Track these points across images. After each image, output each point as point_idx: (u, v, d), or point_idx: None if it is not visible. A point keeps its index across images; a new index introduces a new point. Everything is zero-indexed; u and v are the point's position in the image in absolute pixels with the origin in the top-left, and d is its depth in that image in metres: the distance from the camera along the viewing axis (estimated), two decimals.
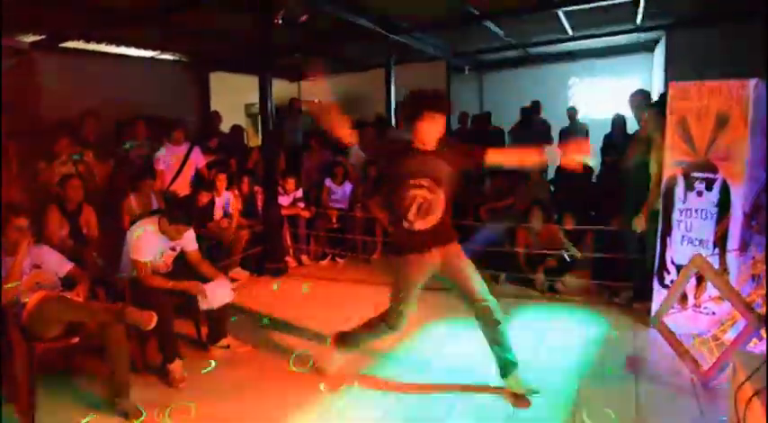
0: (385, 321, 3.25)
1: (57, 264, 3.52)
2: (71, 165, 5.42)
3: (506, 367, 3.22)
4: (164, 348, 3.55)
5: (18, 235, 3.30)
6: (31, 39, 6.52)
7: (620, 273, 4.91)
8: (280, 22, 5.71)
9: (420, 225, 3.10)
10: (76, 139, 5.70)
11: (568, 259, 5.24)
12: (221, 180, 5.94)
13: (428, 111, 3.03)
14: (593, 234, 5.36)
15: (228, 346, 3.98)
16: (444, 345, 4.03)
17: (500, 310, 3.18)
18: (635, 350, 3.89)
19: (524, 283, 5.34)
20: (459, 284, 3.17)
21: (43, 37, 6.50)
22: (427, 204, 3.08)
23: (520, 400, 3.17)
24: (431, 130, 3.06)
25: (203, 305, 3.75)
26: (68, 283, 3.50)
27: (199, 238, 4.31)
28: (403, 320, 3.22)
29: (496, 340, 3.19)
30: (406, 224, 3.11)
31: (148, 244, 3.73)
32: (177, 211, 3.91)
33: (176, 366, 3.53)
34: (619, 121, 7.25)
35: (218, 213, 5.88)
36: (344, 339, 3.49)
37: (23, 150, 5.21)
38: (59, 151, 5.44)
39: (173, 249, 3.90)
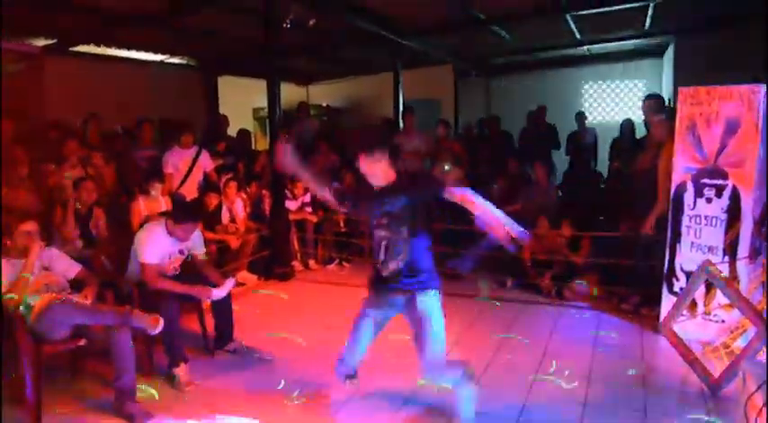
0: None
1: (65, 266, 3.54)
2: (80, 168, 5.45)
3: None
4: (170, 352, 3.56)
5: (27, 239, 3.32)
6: (42, 43, 6.58)
7: (627, 279, 4.88)
8: (288, 25, 5.73)
9: (390, 267, 2.80)
10: (83, 142, 5.74)
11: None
12: (232, 188, 5.95)
13: (362, 153, 2.78)
14: (600, 240, 5.33)
15: (235, 351, 3.98)
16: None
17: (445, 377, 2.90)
18: (643, 357, 3.85)
19: (531, 288, 5.31)
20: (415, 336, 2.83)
21: (54, 41, 6.56)
22: (393, 244, 2.79)
23: None
24: (371, 170, 2.80)
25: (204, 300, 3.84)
26: (77, 285, 3.51)
27: (206, 242, 4.33)
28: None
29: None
30: (378, 266, 2.87)
31: (156, 246, 3.74)
32: (183, 211, 3.93)
33: (182, 370, 3.54)
34: (628, 126, 7.22)
35: (225, 217, 5.89)
36: None
37: (33, 154, 5.24)
38: (68, 154, 5.47)
39: (181, 252, 3.91)
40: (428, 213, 2.89)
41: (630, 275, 4.84)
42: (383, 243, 2.82)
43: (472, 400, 2.88)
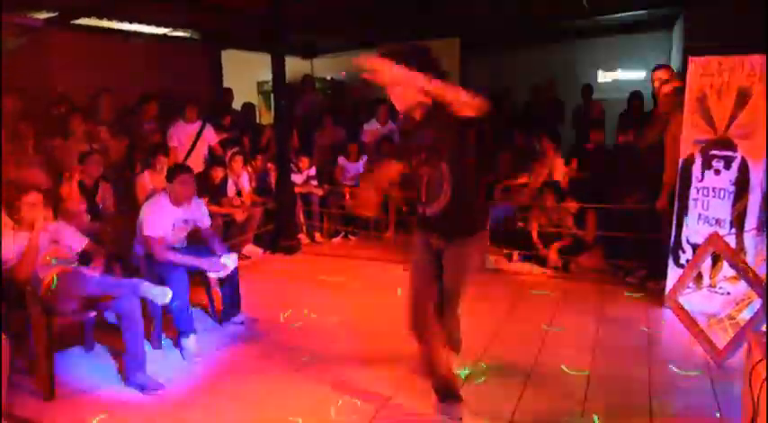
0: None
1: (73, 239, 3.55)
2: (86, 142, 5.45)
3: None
4: (179, 323, 3.60)
5: (32, 211, 3.30)
6: (44, 16, 6.51)
7: (633, 252, 4.88)
8: None
9: (431, 209, 2.63)
10: (90, 116, 5.73)
11: None
12: (238, 161, 5.93)
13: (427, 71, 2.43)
14: (607, 213, 5.31)
15: (243, 323, 4.03)
16: None
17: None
18: (648, 329, 3.87)
19: (537, 261, 5.32)
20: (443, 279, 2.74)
21: (55, 14, 6.49)
22: (434, 182, 2.60)
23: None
24: (398, 94, 2.55)
25: (212, 275, 3.86)
26: (84, 258, 3.54)
27: (212, 216, 4.33)
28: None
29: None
30: (420, 208, 2.71)
31: (160, 218, 3.75)
32: (173, 168, 3.97)
33: (190, 341, 3.58)
34: (636, 99, 7.13)
35: (231, 191, 5.89)
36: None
37: (38, 128, 5.23)
38: (74, 129, 5.47)
39: (186, 222, 3.92)
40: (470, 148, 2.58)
41: (637, 249, 4.83)
42: (424, 181, 2.64)
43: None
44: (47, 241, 3.38)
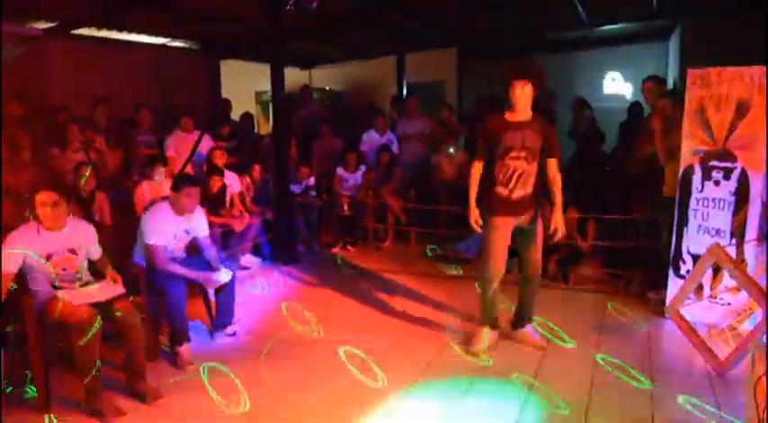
0: (482, 275, 3.65)
1: (94, 246, 3.39)
2: (83, 152, 5.43)
3: (521, 321, 3.83)
4: (174, 332, 3.58)
5: (54, 211, 3.13)
6: (43, 26, 6.52)
7: (633, 262, 4.87)
8: (291, 7, 5.66)
9: (517, 194, 3.49)
10: (87, 126, 5.72)
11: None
12: (219, 157, 5.87)
13: (515, 78, 3.38)
14: (606, 223, 5.30)
15: (235, 333, 4.00)
16: None
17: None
18: (649, 340, 3.85)
19: None
20: (523, 242, 3.67)
21: (55, 24, 6.49)
22: (525, 175, 3.48)
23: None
24: (520, 98, 3.41)
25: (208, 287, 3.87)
26: (92, 268, 3.42)
27: (210, 225, 4.29)
28: (492, 267, 3.58)
29: (529, 294, 3.79)
30: (504, 192, 3.50)
31: (163, 227, 3.72)
32: (179, 178, 3.94)
33: (184, 349, 3.56)
34: (636, 110, 7.15)
35: (229, 200, 5.85)
36: (482, 315, 3.76)
37: (36, 138, 5.22)
38: (72, 138, 5.45)
39: (187, 232, 3.90)
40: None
41: (637, 259, 4.82)
42: (516, 173, 3.48)
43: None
44: (64, 248, 3.21)
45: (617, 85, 10.13)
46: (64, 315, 2.98)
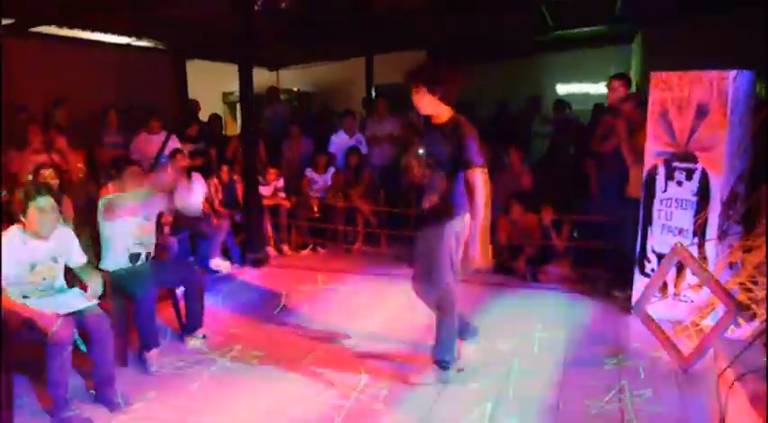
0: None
1: (76, 251, 3.32)
2: (44, 153, 5.28)
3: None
4: (143, 337, 3.51)
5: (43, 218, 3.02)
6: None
7: (600, 261, 4.98)
8: (258, 8, 5.62)
9: (424, 204, 3.23)
10: (47, 126, 5.56)
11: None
12: (178, 160, 5.77)
13: (406, 82, 3.18)
14: (575, 223, 5.42)
15: (204, 337, 3.94)
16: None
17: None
18: (616, 337, 3.94)
19: (506, 271, 5.37)
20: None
21: (12, 21, 6.29)
22: (430, 183, 3.21)
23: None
24: (417, 103, 3.20)
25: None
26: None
27: (180, 228, 4.21)
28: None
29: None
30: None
31: (121, 222, 3.66)
32: (120, 161, 3.95)
33: (153, 355, 3.50)
34: (599, 112, 7.29)
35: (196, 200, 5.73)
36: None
37: None
38: (31, 140, 5.29)
39: (147, 219, 3.83)
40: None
41: (603, 258, 4.93)
42: (425, 181, 3.23)
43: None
44: (47, 253, 3.11)
45: (581, 87, 10.34)
46: (33, 325, 2.87)
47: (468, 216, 3.16)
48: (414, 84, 3.13)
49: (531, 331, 4.01)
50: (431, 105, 3.17)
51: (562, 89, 10.41)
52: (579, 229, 5.34)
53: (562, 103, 7.95)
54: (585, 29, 8.60)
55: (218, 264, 5.67)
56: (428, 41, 9.12)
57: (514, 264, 5.33)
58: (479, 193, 3.00)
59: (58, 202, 3.15)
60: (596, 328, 4.13)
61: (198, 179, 5.78)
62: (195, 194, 5.65)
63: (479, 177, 3.01)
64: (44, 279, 3.13)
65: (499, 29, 8.49)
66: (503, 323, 4.19)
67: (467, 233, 3.17)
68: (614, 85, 4.91)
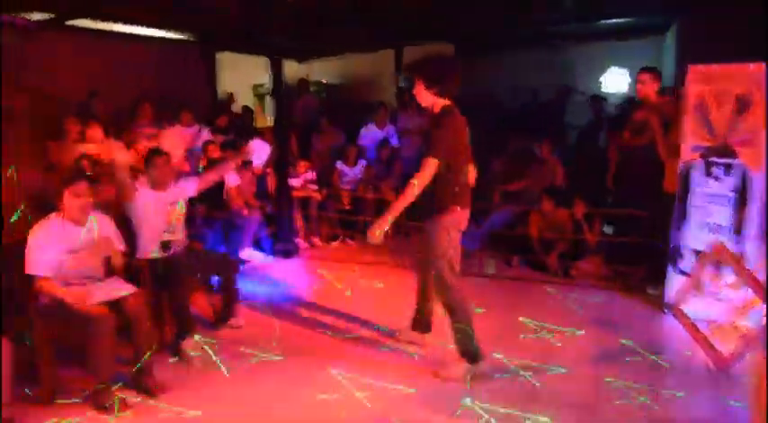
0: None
1: (115, 238, 3.38)
2: (81, 143, 5.40)
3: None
4: (179, 325, 3.59)
5: (80, 204, 3.13)
6: (37, 17, 6.44)
7: (634, 257, 4.90)
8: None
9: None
10: (84, 117, 5.69)
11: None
12: (213, 151, 5.84)
13: (413, 75, 3.31)
14: (604, 218, 5.35)
15: (240, 327, 4.01)
16: None
17: None
18: (650, 335, 3.89)
19: (538, 266, 5.33)
20: None
21: (51, 16, 6.42)
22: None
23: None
24: (416, 94, 3.33)
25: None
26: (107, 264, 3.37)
27: (212, 220, 4.26)
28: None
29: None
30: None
31: (149, 209, 3.74)
32: (150, 153, 4.01)
33: (189, 343, 3.56)
34: (630, 103, 7.16)
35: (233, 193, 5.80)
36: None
37: (34, 131, 5.18)
38: (69, 130, 5.42)
39: (171, 205, 3.90)
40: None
41: (637, 254, 4.85)
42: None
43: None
44: (86, 240, 3.17)
45: (613, 80, 10.13)
46: (75, 312, 2.96)
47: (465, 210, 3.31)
48: (415, 76, 3.31)
49: (563, 328, 3.98)
50: (427, 99, 3.31)
51: (591, 80, 10.22)
52: (612, 225, 5.25)
53: (598, 97, 7.83)
54: (615, 19, 8.39)
55: (250, 254, 5.75)
56: (457, 32, 9.04)
57: (546, 259, 5.28)
58: (419, 178, 3.11)
59: (92, 188, 3.22)
60: (629, 325, 4.08)
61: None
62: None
63: (428, 165, 3.11)
64: (84, 266, 3.20)
65: (529, 20, 8.35)
66: (534, 320, 4.16)
67: (463, 226, 3.33)
68: (643, 77, 4.73)
